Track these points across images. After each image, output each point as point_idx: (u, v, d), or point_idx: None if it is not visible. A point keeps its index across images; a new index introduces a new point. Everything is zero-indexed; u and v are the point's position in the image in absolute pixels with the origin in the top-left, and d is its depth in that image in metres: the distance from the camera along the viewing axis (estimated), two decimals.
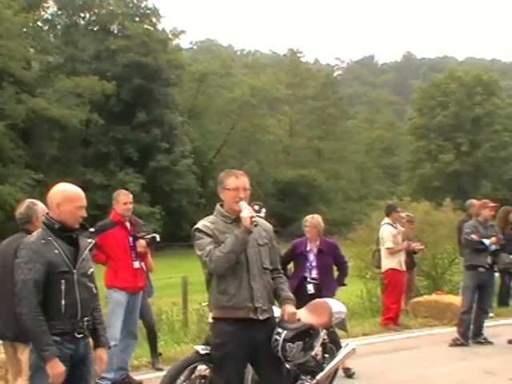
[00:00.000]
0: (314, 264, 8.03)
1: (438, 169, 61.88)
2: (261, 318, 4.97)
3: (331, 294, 7.59)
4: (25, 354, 5.25)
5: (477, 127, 63.07)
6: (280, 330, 5.06)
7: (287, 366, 5.85)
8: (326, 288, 7.81)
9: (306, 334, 5.22)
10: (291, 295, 5.23)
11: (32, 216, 5.75)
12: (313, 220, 8.14)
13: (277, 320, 5.16)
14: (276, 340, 5.04)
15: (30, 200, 5.91)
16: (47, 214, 4.58)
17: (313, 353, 5.38)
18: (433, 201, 17.17)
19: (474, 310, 9.82)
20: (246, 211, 4.91)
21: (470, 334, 9.78)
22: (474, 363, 8.45)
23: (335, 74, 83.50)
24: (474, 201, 11.98)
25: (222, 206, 5.11)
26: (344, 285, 8.33)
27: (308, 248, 8.08)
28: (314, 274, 8.00)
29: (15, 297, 4.26)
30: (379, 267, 11.48)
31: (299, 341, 5.12)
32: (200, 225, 4.99)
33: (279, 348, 5.02)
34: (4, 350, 5.96)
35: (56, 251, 4.33)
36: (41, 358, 4.21)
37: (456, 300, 11.14)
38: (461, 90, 63.63)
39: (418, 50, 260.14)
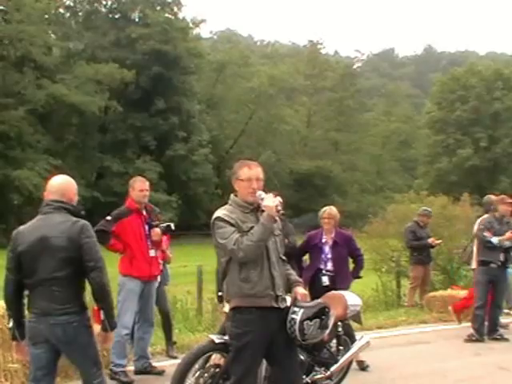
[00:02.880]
0: (329, 256, 8.01)
1: (455, 163, 61.45)
2: (281, 306, 5.03)
3: (346, 287, 7.59)
4: None
5: (496, 122, 62.56)
6: (296, 309, 5.10)
7: (301, 357, 5.87)
8: (340, 280, 7.79)
9: (322, 312, 5.27)
10: (299, 278, 5.38)
11: None
12: (331, 211, 8.12)
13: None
14: (292, 319, 5.07)
15: None
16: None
17: (326, 331, 5.41)
18: (450, 195, 17.07)
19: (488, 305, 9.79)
20: (270, 200, 4.92)
21: (485, 329, 9.74)
22: (488, 359, 8.41)
23: (355, 66, 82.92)
24: (491, 196, 11.90)
25: (236, 196, 5.13)
26: (359, 277, 8.29)
27: (323, 240, 8.05)
28: (329, 265, 7.97)
29: (102, 270, 4.70)
30: (469, 263, 11.10)
31: (316, 318, 5.18)
32: (220, 214, 4.99)
33: (296, 327, 5.05)
34: None
35: None
36: (111, 324, 4.80)
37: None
38: (481, 84, 63.09)
39: (438, 43, 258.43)
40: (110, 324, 4.80)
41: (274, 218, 4.89)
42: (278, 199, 5.01)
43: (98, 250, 4.76)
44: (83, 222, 4.78)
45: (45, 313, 4.72)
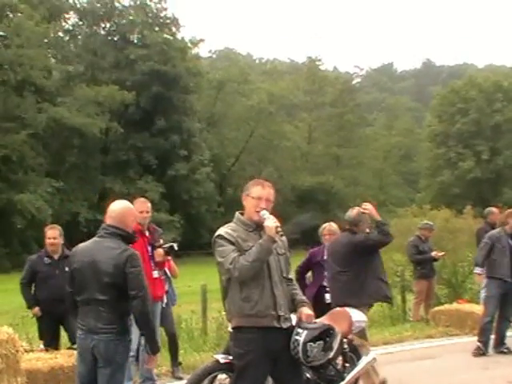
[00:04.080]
0: None
1: (457, 176, 61.45)
2: (284, 326, 4.99)
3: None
4: None
5: (497, 134, 62.60)
6: (300, 331, 5.05)
7: (307, 375, 5.83)
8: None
9: (326, 334, 5.22)
10: (305, 299, 5.32)
11: (360, 221, 7.32)
12: (331, 227, 8.12)
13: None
14: (296, 340, 5.03)
15: (358, 208, 7.45)
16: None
17: (331, 354, 5.32)
18: (452, 208, 17.07)
19: (496, 318, 9.74)
20: (271, 221, 4.92)
21: (492, 343, 9.69)
22: (496, 372, 8.36)
23: (354, 82, 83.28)
24: (493, 209, 11.88)
25: (241, 214, 5.13)
26: None
27: (325, 257, 8.03)
28: None
29: (144, 299, 4.97)
30: None
31: (320, 340, 5.12)
32: (222, 232, 4.99)
33: (300, 348, 5.01)
34: None
35: None
36: (154, 348, 5.17)
37: (477, 309, 11.01)
38: (481, 96, 63.19)
39: (437, 57, 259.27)
40: (151, 348, 5.14)
41: (274, 238, 4.88)
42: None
43: (142, 280, 5.01)
44: (131, 251, 5.05)
45: (91, 330, 5.04)
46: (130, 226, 5.24)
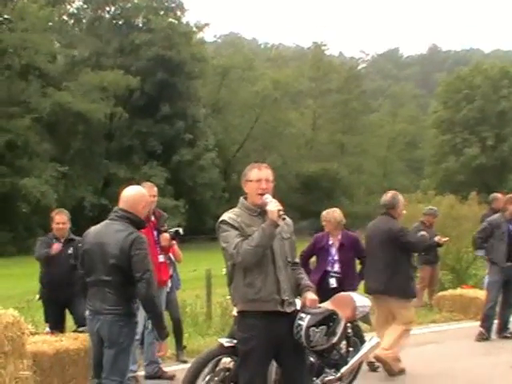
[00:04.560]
0: (336, 258, 8.02)
1: (462, 163, 61.37)
2: (288, 310, 5.00)
3: (353, 288, 7.59)
4: (397, 309, 7.55)
5: (503, 121, 62.40)
6: (303, 315, 5.05)
7: (311, 359, 5.87)
8: (347, 282, 7.80)
9: (330, 319, 5.22)
10: (311, 283, 5.30)
11: (396, 204, 7.72)
12: (327, 215, 8.12)
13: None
14: (299, 325, 5.03)
15: (394, 191, 7.99)
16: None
17: (335, 339, 5.33)
18: (457, 195, 17.03)
19: (499, 304, 9.77)
20: (273, 204, 4.90)
21: (495, 328, 9.72)
22: (499, 358, 8.39)
23: (359, 68, 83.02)
24: (497, 195, 11.86)
25: (245, 198, 5.13)
26: None
27: (330, 242, 8.07)
28: (337, 267, 7.98)
29: (148, 282, 4.98)
30: None
31: (323, 325, 5.12)
32: (226, 217, 4.99)
33: (302, 333, 5.00)
34: (374, 303, 7.67)
35: None
36: (162, 333, 5.20)
37: (481, 294, 11.05)
38: (487, 83, 62.98)
39: (443, 42, 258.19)
40: (159, 333, 5.21)
41: (276, 222, 4.86)
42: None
43: (147, 263, 5.05)
44: (137, 234, 5.11)
45: (97, 311, 5.13)
46: (141, 211, 5.31)
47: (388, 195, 7.92)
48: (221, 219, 5.02)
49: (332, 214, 8.09)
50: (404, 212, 8.00)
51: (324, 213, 8.21)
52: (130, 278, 5.03)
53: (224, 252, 5.05)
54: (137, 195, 5.32)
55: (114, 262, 5.03)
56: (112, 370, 5.10)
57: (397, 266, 7.58)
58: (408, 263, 7.86)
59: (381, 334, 7.67)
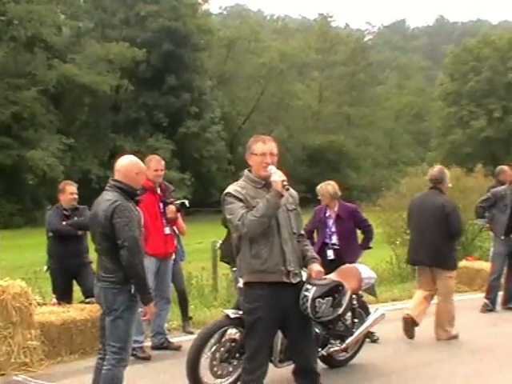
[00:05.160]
0: (333, 230, 7.99)
1: (469, 135, 61.10)
2: (293, 281, 5.03)
3: (353, 260, 7.57)
4: (443, 279, 7.90)
5: (510, 93, 61.91)
6: (309, 287, 5.08)
7: (317, 330, 5.91)
8: (347, 254, 7.78)
9: (335, 290, 5.25)
10: (316, 255, 5.32)
11: (443, 178, 8.02)
12: (320, 189, 8.11)
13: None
14: (305, 296, 5.05)
15: (441, 166, 8.32)
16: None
17: (340, 310, 5.36)
18: (464, 167, 16.97)
19: (504, 276, 9.80)
20: (277, 175, 4.92)
21: (500, 300, 9.76)
22: (503, 329, 8.44)
23: (366, 39, 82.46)
24: (504, 167, 11.81)
25: (250, 171, 5.15)
26: (369, 248, 8.23)
27: (327, 214, 8.05)
28: (334, 239, 7.95)
29: (130, 250, 5.05)
30: None
31: (328, 296, 5.15)
32: (231, 189, 5.02)
33: (308, 304, 5.04)
34: (420, 274, 8.32)
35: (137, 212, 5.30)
36: (144, 299, 5.15)
37: (486, 266, 11.06)
38: (494, 54, 62.52)
39: (450, 13, 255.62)
40: (142, 298, 5.18)
41: (281, 193, 4.89)
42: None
43: (128, 230, 5.08)
44: (119, 203, 5.14)
45: (98, 278, 5.29)
46: (136, 178, 5.34)
47: (435, 170, 8.19)
48: (226, 191, 5.05)
49: (325, 188, 8.06)
50: (450, 185, 8.30)
51: (318, 187, 8.20)
52: (118, 246, 5.11)
53: (229, 224, 5.09)
54: (128, 164, 5.34)
55: (102, 231, 5.15)
56: (111, 336, 5.18)
57: (444, 240, 7.82)
58: (452, 236, 8.01)
59: (423, 301, 8.11)
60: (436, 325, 8.05)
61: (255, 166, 5.08)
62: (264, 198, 4.91)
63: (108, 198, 5.20)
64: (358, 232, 8.20)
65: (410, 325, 7.94)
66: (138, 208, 5.36)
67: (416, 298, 8.21)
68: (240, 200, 4.95)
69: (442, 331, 7.99)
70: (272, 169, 4.99)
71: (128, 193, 5.25)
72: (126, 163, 5.36)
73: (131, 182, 5.29)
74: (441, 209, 7.84)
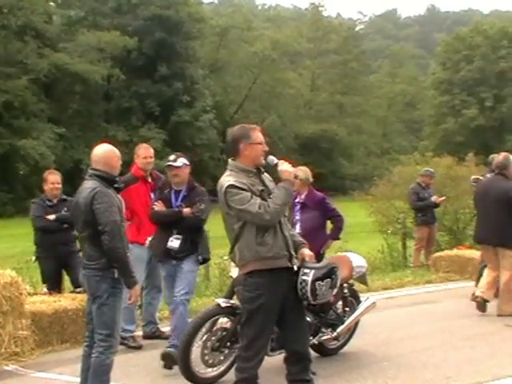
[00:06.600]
0: (297, 218, 7.70)
1: (461, 124, 61.20)
2: (294, 266, 5.14)
3: (316, 250, 7.20)
4: (506, 257, 8.39)
5: (502, 81, 62.08)
6: (307, 270, 5.14)
7: (308, 319, 5.92)
8: (309, 243, 7.39)
9: (332, 272, 5.36)
10: (303, 239, 5.42)
11: (508, 165, 8.52)
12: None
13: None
14: (304, 281, 5.11)
15: (506, 153, 8.82)
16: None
17: (335, 291, 5.53)
18: (456, 156, 17.00)
19: None
20: (286, 165, 5.10)
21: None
22: (495, 317, 8.45)
23: (357, 29, 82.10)
24: (496, 155, 11.83)
25: (234, 160, 5.17)
26: (338, 239, 8.06)
27: (296, 200, 7.70)
28: (298, 228, 7.52)
29: (110, 234, 5.10)
30: None
31: (327, 278, 5.25)
32: (232, 181, 5.03)
33: (308, 288, 5.10)
34: (485, 253, 8.92)
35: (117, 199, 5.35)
36: (128, 282, 5.20)
37: (477, 255, 11.07)
38: (486, 43, 62.57)
39: (441, 2, 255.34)
40: (125, 282, 5.22)
41: (293, 182, 5.13)
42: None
43: (108, 215, 5.13)
44: (99, 189, 5.19)
45: (83, 266, 5.37)
46: (116, 166, 5.40)
47: (500, 156, 8.77)
48: (228, 184, 5.02)
49: (300, 173, 7.87)
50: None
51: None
52: (99, 232, 5.17)
53: (228, 216, 5.10)
54: (105, 152, 5.41)
55: (84, 218, 5.22)
56: (98, 323, 5.22)
57: (507, 222, 8.36)
58: None
59: (494, 282, 8.63)
60: (500, 301, 8.54)
61: (255, 154, 5.14)
62: (259, 186, 5.06)
63: (88, 186, 5.27)
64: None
65: (482, 304, 8.55)
66: (118, 195, 5.39)
67: (486, 278, 8.68)
68: (245, 190, 5.00)
69: (506, 307, 8.45)
70: (274, 159, 5.16)
71: (107, 180, 5.30)
72: (103, 152, 5.41)
73: (111, 169, 5.35)
74: (505, 193, 8.40)
